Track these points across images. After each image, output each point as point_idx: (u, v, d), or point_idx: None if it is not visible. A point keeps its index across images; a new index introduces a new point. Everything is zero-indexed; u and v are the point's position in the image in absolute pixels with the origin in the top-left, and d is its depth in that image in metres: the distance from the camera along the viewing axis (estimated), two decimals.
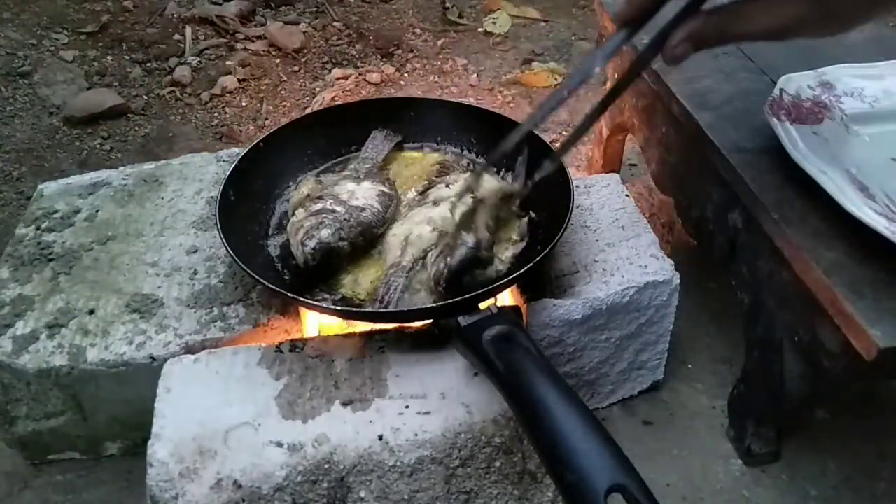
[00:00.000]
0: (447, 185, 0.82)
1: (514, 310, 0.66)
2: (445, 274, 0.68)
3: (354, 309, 0.72)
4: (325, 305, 0.70)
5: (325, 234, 0.73)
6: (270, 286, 0.69)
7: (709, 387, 0.91)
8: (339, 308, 0.70)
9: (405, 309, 0.70)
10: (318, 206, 0.77)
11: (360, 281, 0.75)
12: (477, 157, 0.93)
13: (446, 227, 0.77)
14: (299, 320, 0.79)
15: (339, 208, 0.76)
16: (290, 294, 0.69)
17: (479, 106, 0.96)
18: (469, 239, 0.70)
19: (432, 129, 0.94)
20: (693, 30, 0.57)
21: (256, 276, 0.69)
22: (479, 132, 0.92)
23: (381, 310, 0.70)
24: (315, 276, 0.75)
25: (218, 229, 0.73)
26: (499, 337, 0.58)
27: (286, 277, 0.77)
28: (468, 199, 0.76)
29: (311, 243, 0.72)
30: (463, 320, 0.62)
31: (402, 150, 0.94)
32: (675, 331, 0.85)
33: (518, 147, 0.77)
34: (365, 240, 0.77)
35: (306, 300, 0.70)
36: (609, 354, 0.83)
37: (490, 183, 0.79)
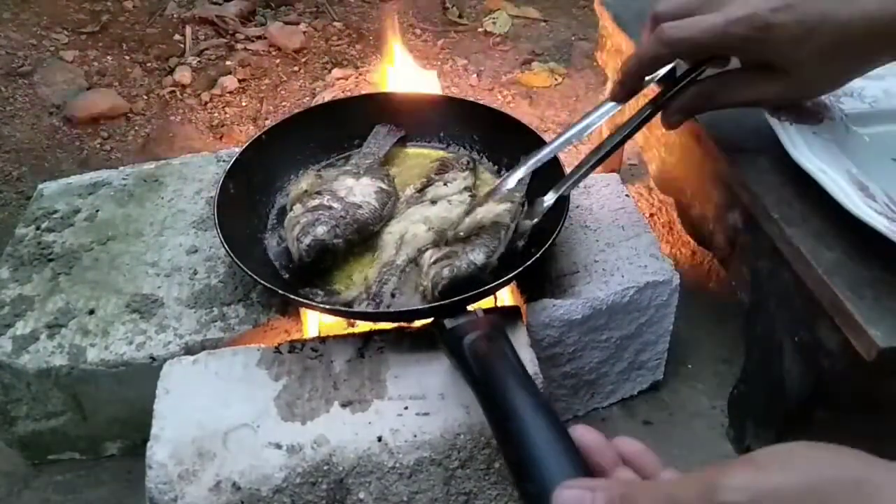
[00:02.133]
0: (445, 184, 0.82)
1: (502, 315, 0.65)
2: (443, 283, 0.68)
3: (348, 308, 0.72)
4: (317, 303, 0.70)
5: (320, 231, 0.73)
6: (263, 283, 0.69)
7: (709, 387, 0.91)
8: (332, 307, 0.70)
9: (397, 309, 0.70)
10: (315, 202, 0.76)
11: (356, 278, 0.75)
12: (479, 154, 0.92)
13: (444, 226, 0.76)
14: (299, 320, 0.79)
15: (335, 205, 0.76)
16: (281, 291, 0.69)
17: (482, 103, 0.96)
18: (480, 257, 0.70)
19: (435, 125, 0.94)
20: (685, 103, 0.68)
21: (249, 272, 0.69)
22: (482, 129, 0.92)
23: (374, 310, 0.70)
24: (310, 273, 0.75)
25: (215, 222, 0.73)
26: (478, 342, 0.58)
27: (284, 275, 0.77)
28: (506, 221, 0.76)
29: (307, 240, 0.72)
30: (448, 323, 0.61)
31: (405, 146, 0.93)
32: (675, 331, 0.85)
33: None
34: (361, 237, 0.77)
35: (299, 298, 0.70)
36: (609, 354, 0.83)
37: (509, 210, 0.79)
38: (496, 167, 0.91)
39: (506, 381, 0.51)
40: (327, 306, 0.70)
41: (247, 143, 0.84)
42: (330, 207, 0.76)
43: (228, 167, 0.80)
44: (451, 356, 0.60)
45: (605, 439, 0.42)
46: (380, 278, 0.72)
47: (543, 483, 0.40)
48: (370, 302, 0.70)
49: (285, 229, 0.77)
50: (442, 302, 0.66)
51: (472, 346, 0.58)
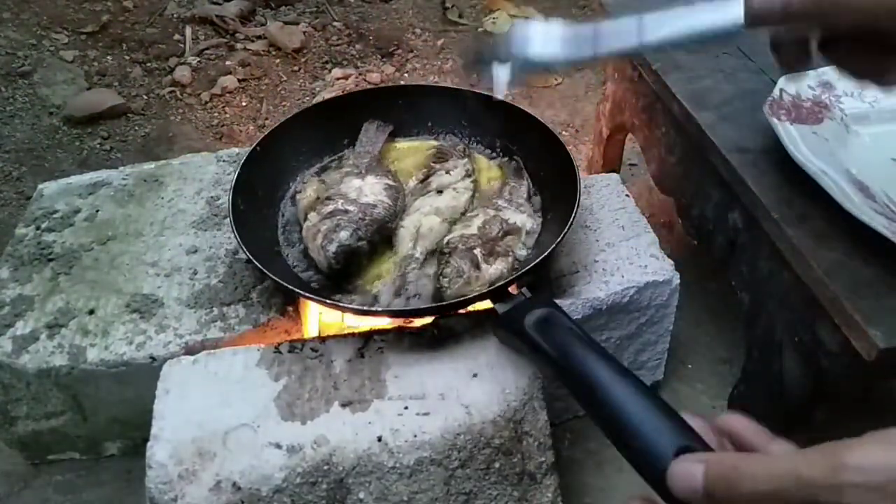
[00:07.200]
0: (447, 172, 0.83)
1: (548, 292, 0.66)
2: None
3: (381, 308, 0.71)
4: (364, 308, 0.70)
5: (343, 235, 0.73)
6: (306, 294, 0.70)
7: (709, 387, 0.91)
8: (365, 309, 0.70)
9: (420, 306, 0.70)
10: (330, 207, 0.76)
11: (380, 276, 0.75)
12: (470, 140, 0.92)
13: (454, 215, 0.78)
14: (299, 320, 0.79)
15: (351, 208, 0.76)
16: (330, 301, 0.70)
17: (463, 89, 0.95)
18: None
19: (422, 115, 0.94)
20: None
21: (292, 287, 0.70)
22: (469, 115, 0.92)
23: (411, 307, 0.70)
24: (339, 278, 0.75)
25: (238, 242, 0.72)
26: (540, 320, 0.59)
27: (310, 282, 0.77)
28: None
29: (332, 247, 0.72)
30: (500, 308, 0.61)
31: (395, 140, 0.93)
32: (675, 331, 0.85)
33: None
34: (381, 236, 0.77)
35: (344, 304, 0.70)
36: None
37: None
38: (489, 150, 0.91)
39: (582, 351, 0.53)
40: (367, 308, 0.70)
41: (244, 159, 0.82)
42: (346, 211, 0.75)
43: (232, 186, 0.78)
44: (514, 340, 0.61)
45: (706, 422, 0.41)
46: (402, 273, 0.72)
47: (647, 436, 0.41)
48: (397, 297, 0.70)
49: (305, 239, 0.77)
50: (465, 296, 0.67)
51: (535, 326, 0.58)
